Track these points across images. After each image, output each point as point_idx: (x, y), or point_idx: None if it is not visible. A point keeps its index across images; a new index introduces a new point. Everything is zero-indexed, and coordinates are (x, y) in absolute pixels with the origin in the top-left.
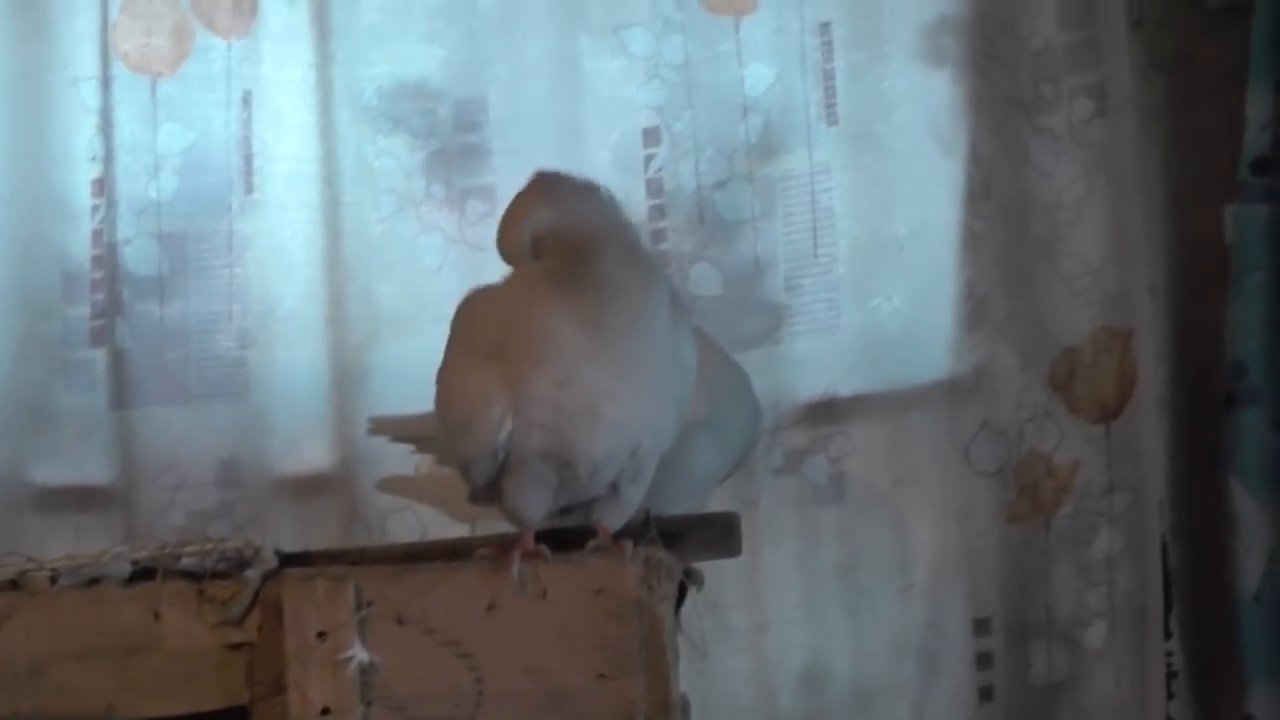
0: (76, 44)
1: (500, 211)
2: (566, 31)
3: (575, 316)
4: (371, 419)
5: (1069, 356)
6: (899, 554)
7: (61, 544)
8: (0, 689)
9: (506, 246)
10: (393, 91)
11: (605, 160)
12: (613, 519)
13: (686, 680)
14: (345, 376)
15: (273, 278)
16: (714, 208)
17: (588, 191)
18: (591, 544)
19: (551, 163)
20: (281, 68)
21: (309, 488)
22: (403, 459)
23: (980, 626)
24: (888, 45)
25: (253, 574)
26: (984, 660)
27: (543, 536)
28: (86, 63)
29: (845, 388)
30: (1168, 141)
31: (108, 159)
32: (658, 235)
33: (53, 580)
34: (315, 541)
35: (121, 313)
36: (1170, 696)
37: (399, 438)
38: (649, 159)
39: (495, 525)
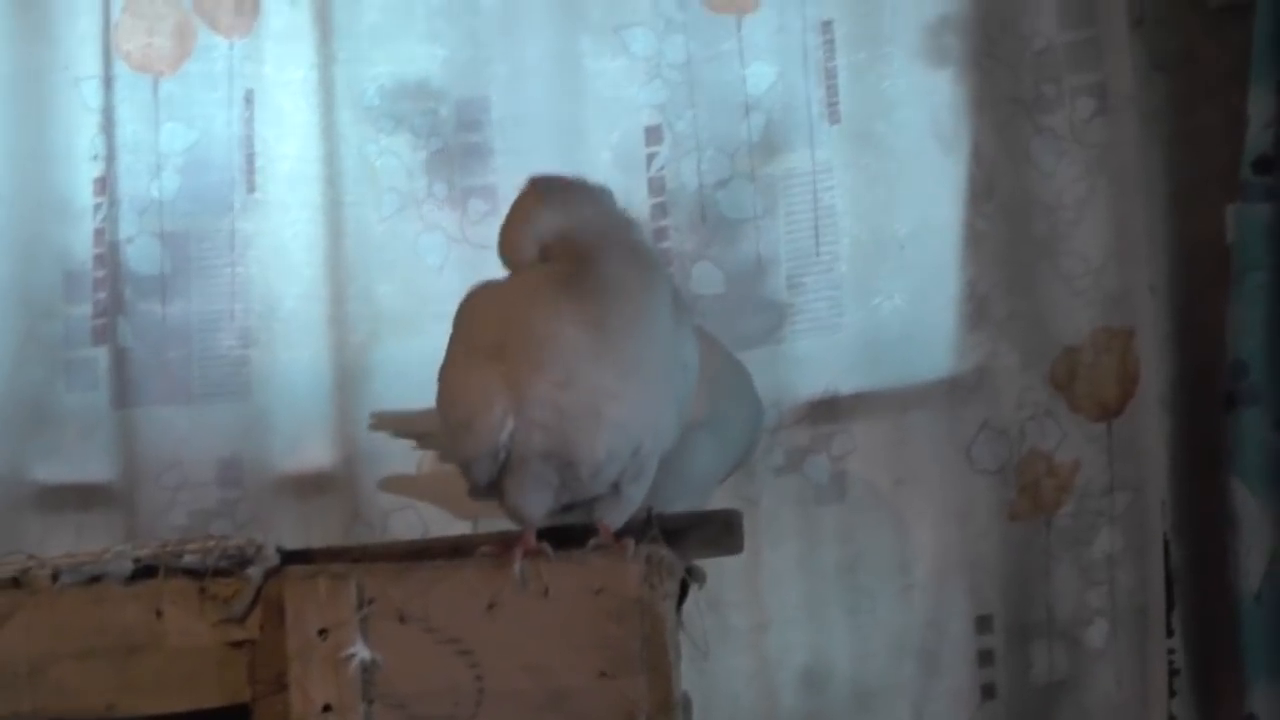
0: (78, 44)
1: (502, 211)
2: (568, 31)
3: (577, 318)
4: (373, 414)
5: (1070, 356)
6: (900, 553)
7: (63, 543)
8: (1, 687)
9: (508, 253)
10: (394, 91)
11: (607, 160)
12: (614, 517)
13: (688, 679)
14: (347, 376)
15: (274, 277)
16: (716, 206)
17: (587, 192)
18: (593, 542)
19: (553, 162)
20: (283, 67)
21: (311, 487)
22: (404, 458)
23: (981, 625)
24: (889, 44)
25: (254, 572)
26: (985, 659)
27: (544, 534)
28: (88, 62)
29: (846, 386)
30: (1169, 141)
31: (109, 158)
32: (660, 234)
33: (54, 578)
34: (317, 541)
35: (123, 312)
36: (1172, 695)
37: (400, 433)
38: (651, 158)
39: (497, 523)
